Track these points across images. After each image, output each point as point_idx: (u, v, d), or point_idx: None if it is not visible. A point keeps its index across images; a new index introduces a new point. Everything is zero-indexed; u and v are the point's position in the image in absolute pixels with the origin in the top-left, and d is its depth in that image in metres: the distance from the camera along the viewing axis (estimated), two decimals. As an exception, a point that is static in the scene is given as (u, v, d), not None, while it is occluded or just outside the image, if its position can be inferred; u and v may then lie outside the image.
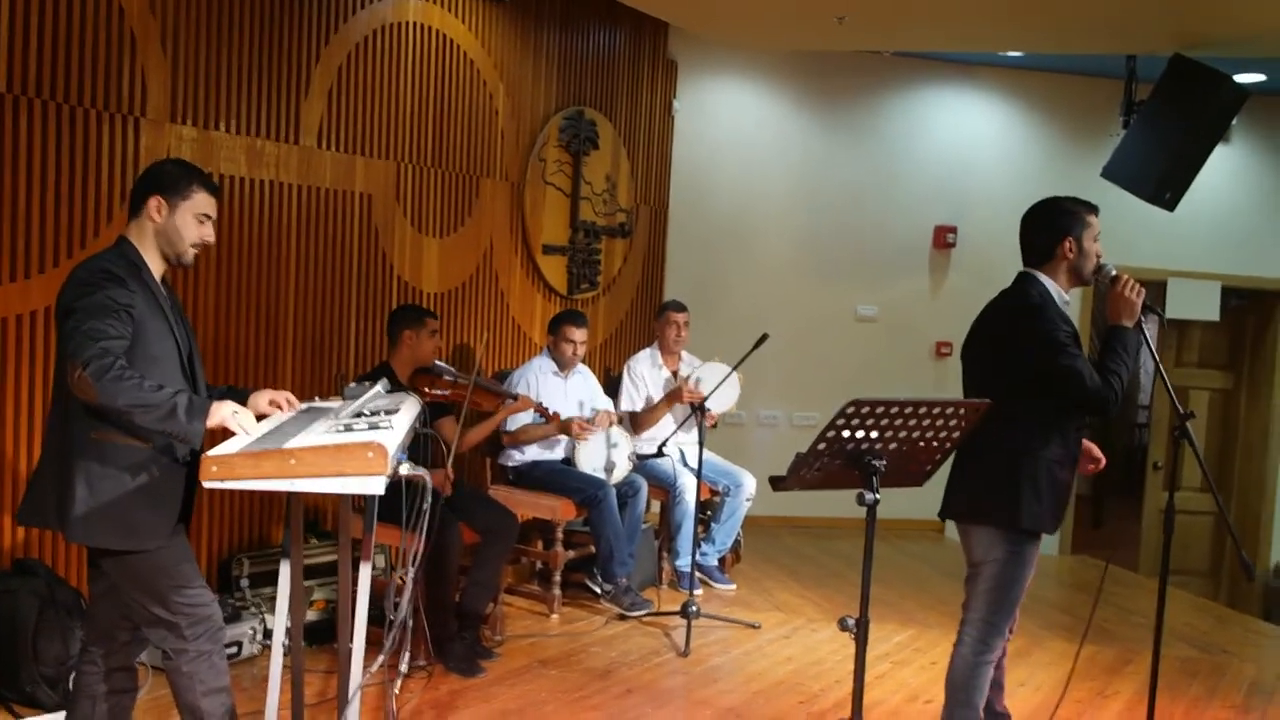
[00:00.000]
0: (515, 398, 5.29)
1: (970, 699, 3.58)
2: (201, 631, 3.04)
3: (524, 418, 5.54)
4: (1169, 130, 6.03)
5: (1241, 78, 6.01)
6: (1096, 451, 3.69)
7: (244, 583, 4.80)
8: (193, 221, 3.06)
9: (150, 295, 3.01)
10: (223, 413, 2.88)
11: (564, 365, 5.74)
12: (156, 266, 3.09)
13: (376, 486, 2.61)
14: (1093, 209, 3.58)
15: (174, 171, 3.11)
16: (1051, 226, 3.55)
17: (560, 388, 5.70)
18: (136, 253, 3.04)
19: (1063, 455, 3.50)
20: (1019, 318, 3.50)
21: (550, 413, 5.34)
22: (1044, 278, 3.55)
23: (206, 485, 2.62)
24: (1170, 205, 6.08)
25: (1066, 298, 3.58)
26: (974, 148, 8.15)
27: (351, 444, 2.60)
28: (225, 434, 2.83)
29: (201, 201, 3.07)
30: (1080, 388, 3.36)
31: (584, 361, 5.92)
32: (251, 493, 4.88)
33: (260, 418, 3.05)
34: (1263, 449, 8.66)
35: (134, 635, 3.17)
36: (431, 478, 2.96)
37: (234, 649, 4.43)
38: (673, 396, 5.97)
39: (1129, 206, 6.23)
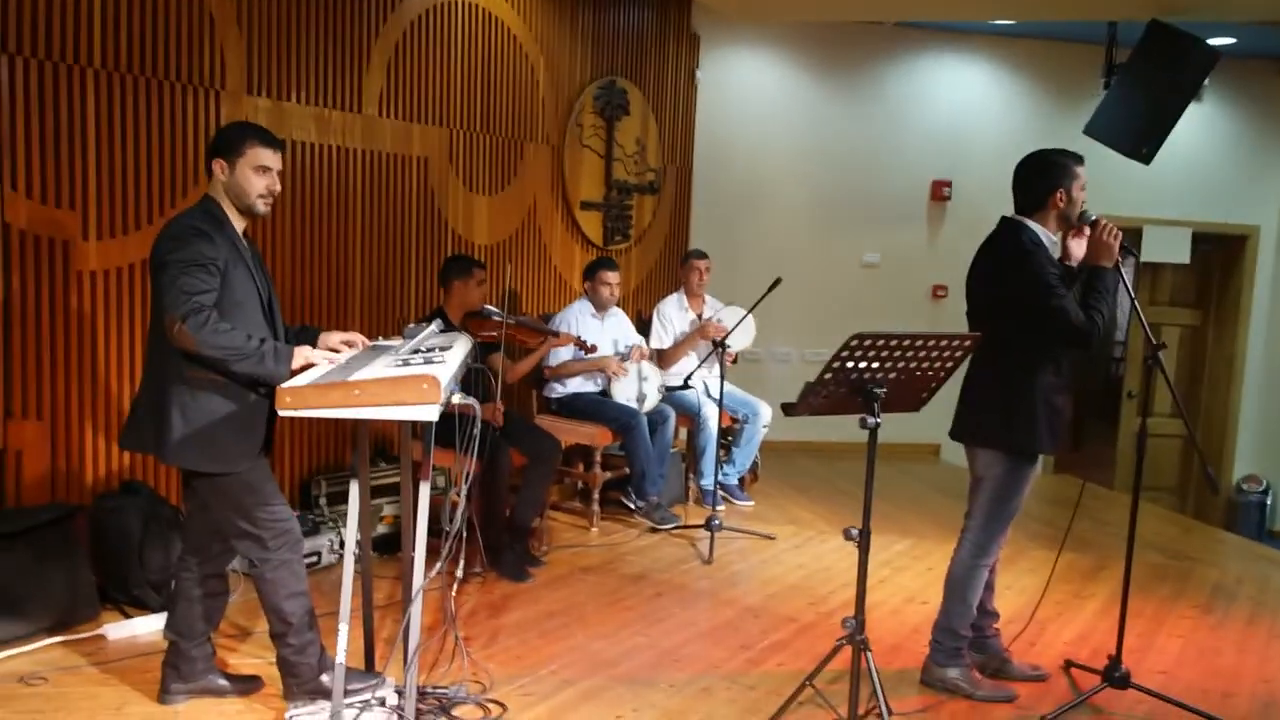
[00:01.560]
0: (557, 334, 5.27)
1: (966, 597, 3.58)
2: (283, 543, 3.07)
3: (565, 354, 5.52)
4: (1146, 90, 5.86)
5: (1213, 41, 5.84)
6: None
7: (321, 500, 4.83)
8: (253, 175, 3.01)
9: (233, 247, 3.00)
10: (304, 354, 2.94)
11: (601, 306, 5.71)
12: (238, 221, 3.07)
13: (431, 414, 2.59)
14: (1079, 160, 3.50)
15: (230, 133, 3.08)
16: (1044, 178, 3.46)
17: (598, 328, 5.67)
18: (219, 208, 3.03)
19: (1057, 383, 3.46)
20: (1013, 262, 3.42)
21: (589, 345, 5.29)
22: (1034, 224, 3.48)
23: (281, 413, 2.62)
24: (1147, 159, 5.93)
25: (1055, 239, 3.51)
26: (968, 109, 7.98)
27: (408, 376, 2.58)
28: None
29: (258, 154, 3.02)
30: (1066, 323, 3.31)
31: (618, 305, 5.88)
32: (326, 421, 4.91)
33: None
34: (1227, 380, 8.53)
35: (225, 546, 3.21)
36: (483, 410, 2.95)
37: (313, 558, 4.47)
38: (698, 333, 5.94)
39: (1108, 160, 6.06)
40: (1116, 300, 3.46)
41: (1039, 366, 3.44)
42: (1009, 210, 3.57)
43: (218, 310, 2.86)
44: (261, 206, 3.06)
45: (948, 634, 3.60)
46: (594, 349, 5.34)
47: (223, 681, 3.32)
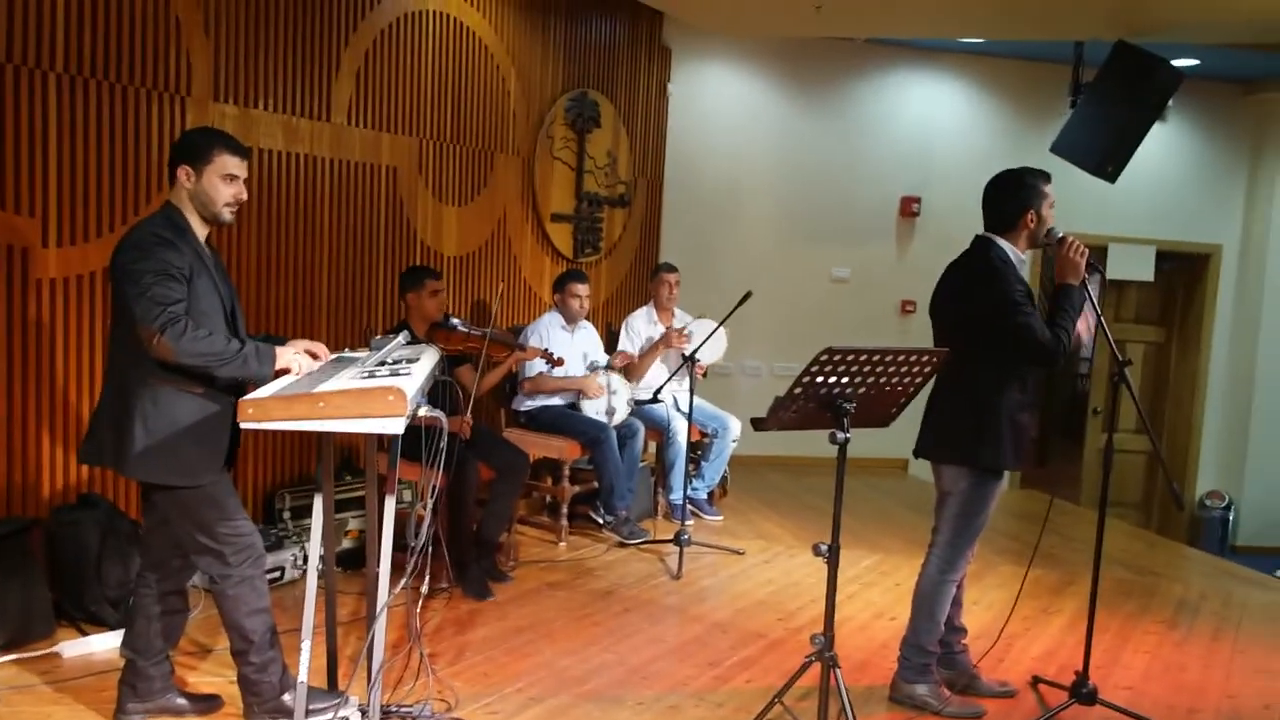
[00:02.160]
0: (524, 348, 5.22)
1: (933, 613, 3.57)
2: (245, 559, 3.01)
3: (540, 366, 5.48)
4: (1112, 109, 5.93)
5: (1178, 62, 5.91)
6: None
7: (285, 514, 4.76)
8: (220, 183, 2.96)
9: (196, 255, 2.94)
10: (286, 355, 2.91)
11: (571, 319, 5.68)
12: (200, 229, 3.01)
13: (396, 427, 2.55)
14: (1048, 179, 3.54)
15: (197, 139, 3.01)
16: (1015, 198, 3.48)
17: (567, 340, 5.64)
18: (181, 215, 2.97)
19: (1023, 400, 3.47)
20: (982, 279, 3.44)
21: (556, 358, 5.24)
22: (1003, 242, 3.50)
23: (244, 426, 2.57)
24: (1112, 178, 6.00)
25: (1024, 258, 3.54)
26: (937, 126, 8.04)
27: (374, 388, 2.54)
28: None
29: (226, 163, 2.96)
30: (1032, 341, 3.33)
31: (588, 318, 5.85)
32: (291, 434, 4.85)
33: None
34: (1190, 397, 8.63)
35: (184, 562, 3.14)
36: (450, 423, 2.91)
37: (277, 574, 4.40)
38: (662, 342, 5.91)
39: (1074, 178, 6.12)
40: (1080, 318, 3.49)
41: (1005, 384, 3.45)
42: (978, 227, 3.58)
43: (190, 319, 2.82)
44: (228, 215, 3.00)
45: (916, 650, 3.60)
46: (561, 362, 5.29)
47: (181, 700, 3.25)
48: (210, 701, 3.30)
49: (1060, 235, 3.46)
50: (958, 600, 3.73)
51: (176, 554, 3.12)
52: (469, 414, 4.60)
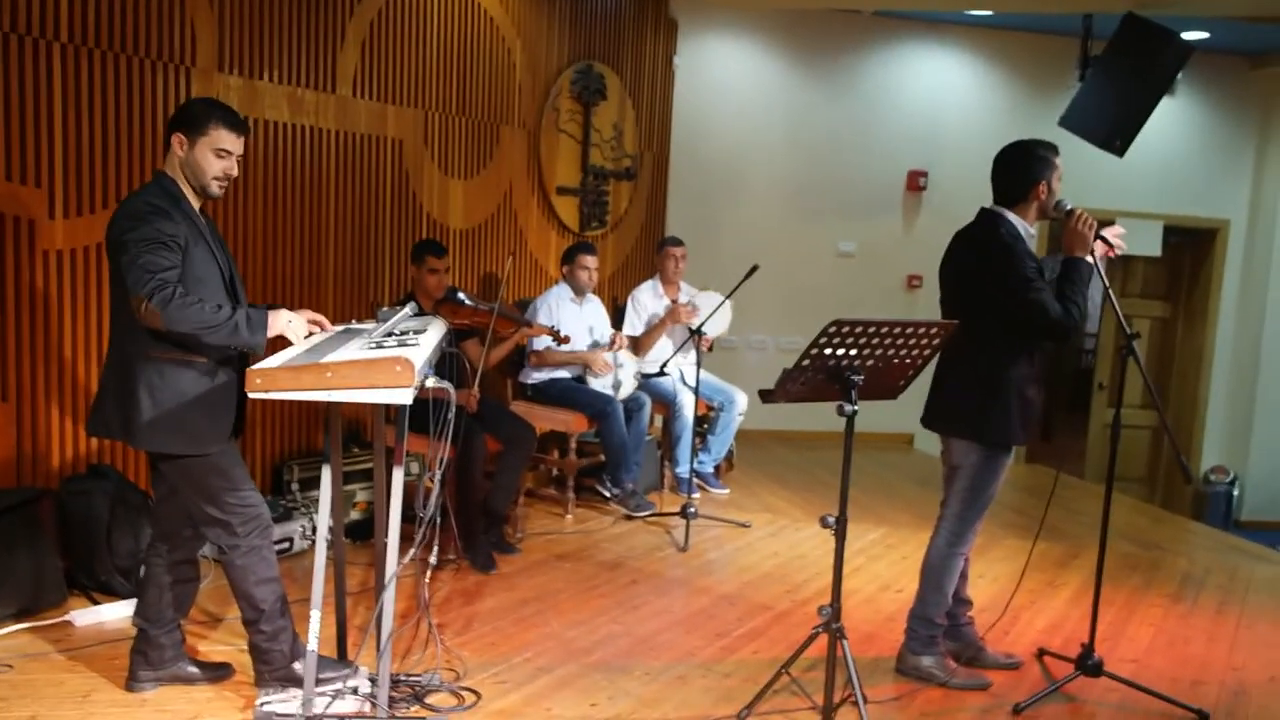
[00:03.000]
0: (530, 324, 5.22)
1: (941, 585, 3.57)
2: (253, 529, 3.01)
3: (548, 339, 5.46)
4: (1120, 83, 5.88)
5: (1187, 35, 5.85)
6: None
7: (294, 486, 4.78)
8: (212, 156, 2.92)
9: (191, 223, 2.91)
10: (279, 322, 2.87)
11: (579, 291, 5.66)
12: (193, 198, 2.97)
13: (404, 397, 2.55)
14: (1057, 151, 3.49)
15: (195, 109, 2.97)
16: (1027, 171, 3.44)
17: (576, 313, 5.62)
18: (175, 184, 2.93)
19: (1029, 374, 3.45)
20: (993, 254, 3.40)
21: (563, 335, 5.23)
22: (1013, 216, 3.46)
23: (251, 395, 2.57)
24: (1120, 151, 5.95)
25: (1033, 231, 3.50)
26: (944, 99, 7.98)
27: (381, 359, 2.53)
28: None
29: (220, 136, 2.91)
30: (1045, 317, 3.30)
31: (594, 292, 5.84)
32: (300, 405, 4.86)
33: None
34: (1196, 371, 8.61)
35: (195, 532, 3.15)
36: (458, 395, 2.91)
37: (286, 544, 4.41)
38: (669, 317, 5.89)
39: (1082, 152, 6.08)
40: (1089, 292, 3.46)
41: (1014, 358, 3.43)
42: (985, 200, 3.55)
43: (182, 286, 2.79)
44: (215, 189, 2.96)
45: (923, 622, 3.60)
46: (567, 340, 5.28)
47: (192, 669, 3.26)
48: (221, 670, 3.32)
49: (1070, 207, 3.43)
50: (964, 573, 3.72)
51: (187, 524, 3.12)
52: (476, 387, 4.59)
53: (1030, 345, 3.44)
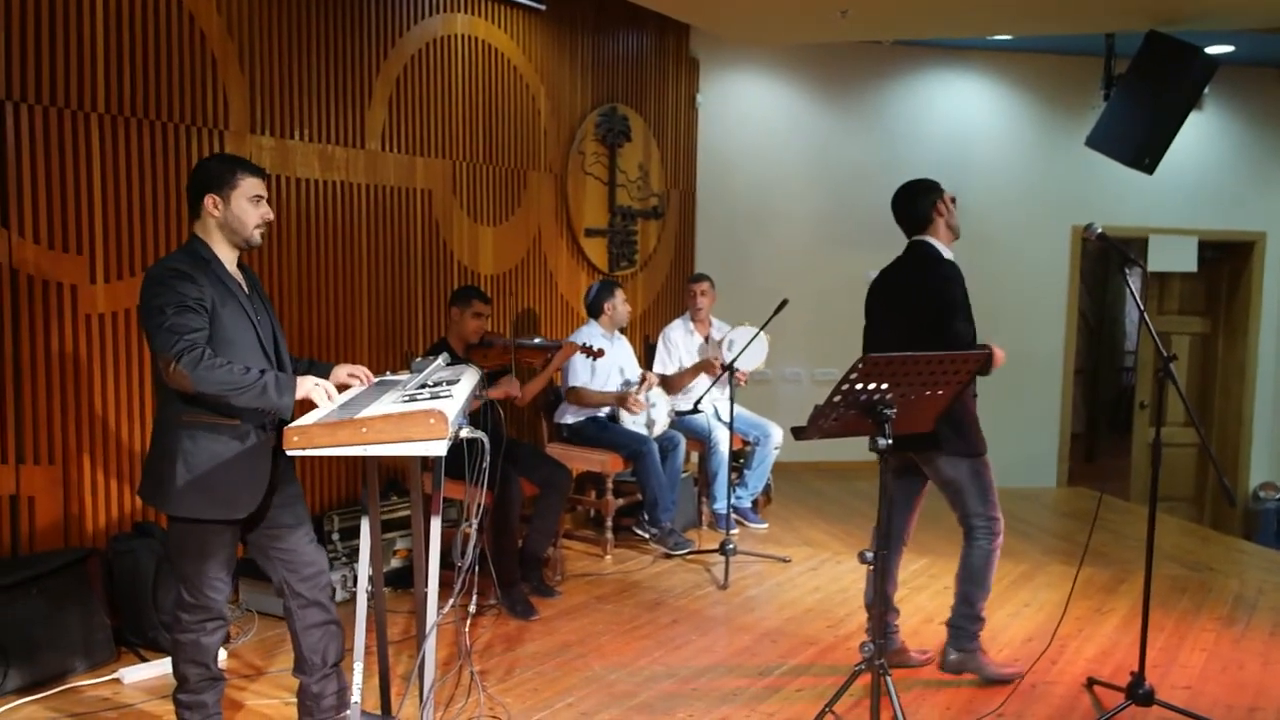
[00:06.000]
0: (559, 347, 5.18)
1: (986, 582, 3.79)
2: (200, 617, 2.99)
3: (584, 375, 5.48)
4: (1146, 100, 5.86)
5: (1212, 49, 5.83)
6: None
7: (334, 536, 4.81)
8: (248, 205, 2.94)
9: (221, 284, 2.91)
10: (306, 385, 2.88)
11: (614, 325, 5.71)
12: (228, 256, 2.98)
13: (439, 449, 2.57)
14: (935, 182, 3.89)
15: (217, 167, 2.99)
16: (919, 199, 3.83)
17: (607, 348, 5.64)
18: (206, 247, 2.95)
19: (971, 389, 3.68)
20: (936, 282, 3.66)
21: (595, 349, 5.20)
22: (935, 241, 3.77)
23: (289, 453, 2.59)
24: (1149, 169, 5.92)
25: (951, 253, 3.79)
26: (969, 124, 7.96)
27: (415, 412, 2.56)
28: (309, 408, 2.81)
29: (249, 185, 2.95)
30: (961, 347, 3.48)
31: (624, 330, 5.87)
32: (337, 457, 4.89)
33: (340, 389, 3.03)
34: (1239, 387, 8.47)
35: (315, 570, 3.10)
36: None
37: (328, 594, 4.43)
38: (700, 368, 5.93)
39: (1113, 171, 6.07)
40: (1125, 311, 3.47)
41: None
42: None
43: (210, 348, 2.82)
44: (258, 236, 2.99)
45: (969, 618, 3.79)
46: (600, 353, 5.24)
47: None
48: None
49: (1099, 230, 3.51)
50: (895, 579, 4.04)
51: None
52: (514, 377, 4.71)
53: None
